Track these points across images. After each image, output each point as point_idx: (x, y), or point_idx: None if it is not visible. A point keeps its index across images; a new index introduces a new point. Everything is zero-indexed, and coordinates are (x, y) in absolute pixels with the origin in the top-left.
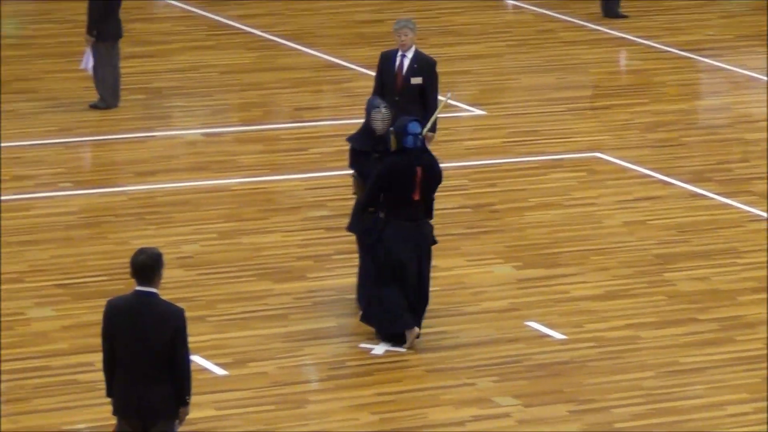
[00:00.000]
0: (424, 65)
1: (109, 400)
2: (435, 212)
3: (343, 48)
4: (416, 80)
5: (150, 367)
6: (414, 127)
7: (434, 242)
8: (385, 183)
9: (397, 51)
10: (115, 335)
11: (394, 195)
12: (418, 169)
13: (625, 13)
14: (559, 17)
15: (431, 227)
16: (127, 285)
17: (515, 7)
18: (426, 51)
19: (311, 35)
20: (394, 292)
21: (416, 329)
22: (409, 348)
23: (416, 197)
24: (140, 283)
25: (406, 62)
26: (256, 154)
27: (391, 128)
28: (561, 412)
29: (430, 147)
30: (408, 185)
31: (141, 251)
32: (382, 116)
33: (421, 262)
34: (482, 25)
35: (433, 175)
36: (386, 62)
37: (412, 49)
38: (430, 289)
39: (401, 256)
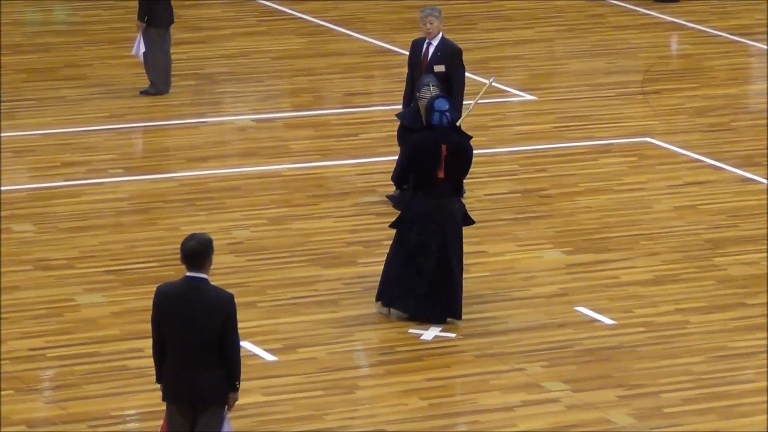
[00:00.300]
0: (448, 53)
1: (158, 386)
2: (486, 198)
3: (392, 33)
4: (439, 68)
5: (200, 353)
6: (441, 103)
7: (468, 222)
8: (411, 159)
9: (424, 39)
10: (165, 321)
11: (419, 172)
12: (443, 147)
13: None
14: (610, 1)
15: (461, 206)
16: (177, 271)
17: None
18: (475, 36)
19: (361, 21)
20: (398, 265)
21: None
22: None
23: (441, 175)
24: (190, 269)
25: (431, 50)
26: (306, 139)
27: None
28: (610, 397)
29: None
30: (433, 162)
31: (191, 237)
32: (431, 93)
33: (445, 243)
34: (532, 10)
35: (462, 156)
36: (415, 49)
37: (438, 36)
38: (477, 274)
39: (421, 236)
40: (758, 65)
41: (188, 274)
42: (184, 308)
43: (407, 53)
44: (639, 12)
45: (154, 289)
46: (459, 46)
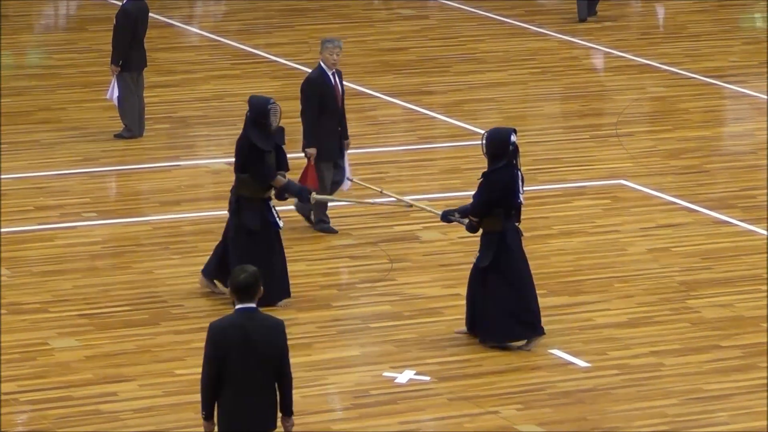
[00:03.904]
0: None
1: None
2: (460, 239)
3: (367, 76)
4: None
5: (263, 380)
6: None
7: None
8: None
9: (324, 72)
10: (227, 355)
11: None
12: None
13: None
14: (583, 44)
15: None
16: (151, 315)
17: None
18: (449, 78)
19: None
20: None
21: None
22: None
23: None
24: (243, 300)
25: (338, 78)
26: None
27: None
28: None
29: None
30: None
31: (242, 269)
32: (275, 111)
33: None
34: (505, 53)
35: None
36: (322, 84)
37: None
38: (452, 317)
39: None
40: (732, 107)
41: (241, 305)
42: (246, 338)
43: (381, 96)
44: (613, 54)
45: (130, 332)
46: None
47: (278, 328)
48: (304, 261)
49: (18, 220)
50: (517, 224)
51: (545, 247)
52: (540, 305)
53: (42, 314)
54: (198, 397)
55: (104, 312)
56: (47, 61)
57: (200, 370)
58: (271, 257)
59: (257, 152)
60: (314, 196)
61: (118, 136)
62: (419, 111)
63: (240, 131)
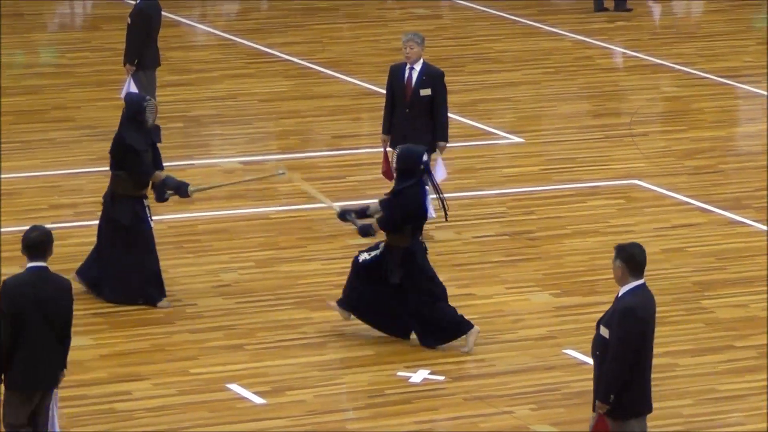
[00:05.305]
0: (432, 77)
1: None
2: (474, 239)
3: (380, 75)
4: (425, 92)
5: (51, 338)
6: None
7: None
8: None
9: (405, 64)
10: (20, 313)
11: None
12: None
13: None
14: (597, 44)
15: None
16: (165, 314)
17: (551, 33)
18: (464, 79)
19: (349, 63)
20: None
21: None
22: None
23: None
24: (34, 258)
25: (415, 75)
26: (294, 182)
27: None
28: None
29: (442, 155)
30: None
31: (33, 228)
32: (151, 108)
33: None
34: (520, 53)
35: None
36: (395, 75)
37: (420, 61)
38: (466, 317)
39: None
40: (746, 107)
41: (32, 264)
42: (38, 297)
43: (385, 97)
44: (627, 54)
45: (144, 331)
46: (442, 69)
47: (67, 288)
48: (318, 260)
49: (32, 219)
50: (420, 238)
51: (559, 246)
52: (554, 305)
53: None
54: (211, 396)
55: (119, 311)
56: (61, 59)
57: (215, 369)
58: (143, 255)
59: (133, 152)
60: (191, 188)
61: None
62: None
63: (250, 129)
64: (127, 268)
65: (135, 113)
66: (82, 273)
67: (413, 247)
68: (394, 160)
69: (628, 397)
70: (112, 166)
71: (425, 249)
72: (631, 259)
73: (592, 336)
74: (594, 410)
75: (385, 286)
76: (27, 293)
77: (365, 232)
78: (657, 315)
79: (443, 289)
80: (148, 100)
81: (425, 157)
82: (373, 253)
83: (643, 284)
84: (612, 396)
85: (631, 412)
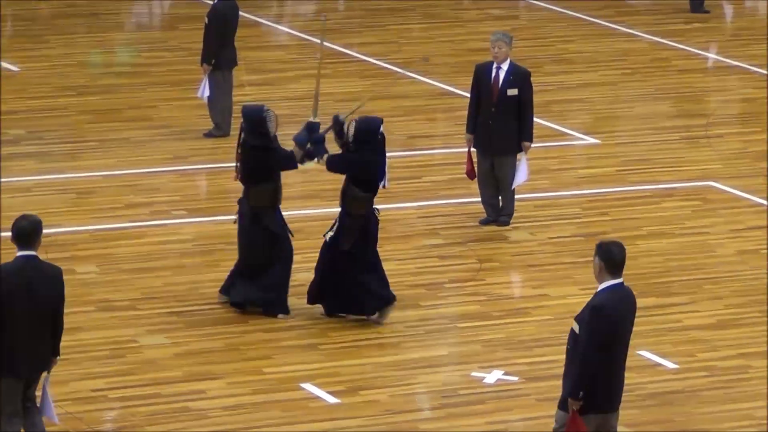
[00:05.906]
0: (520, 76)
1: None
2: (549, 241)
3: (455, 76)
4: (512, 92)
5: (42, 326)
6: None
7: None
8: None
9: (492, 63)
10: (10, 301)
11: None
12: None
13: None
14: (674, 45)
15: None
16: (239, 313)
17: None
18: (539, 80)
19: (424, 63)
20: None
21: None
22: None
23: None
24: (23, 247)
25: (502, 74)
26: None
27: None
28: None
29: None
30: None
31: (23, 217)
32: (270, 117)
33: None
34: (595, 53)
35: None
36: (482, 75)
37: (507, 61)
38: (540, 317)
39: None
40: None
41: (22, 253)
42: (28, 285)
43: (469, 96)
44: (702, 56)
45: (218, 330)
46: (529, 70)
47: (57, 276)
48: (393, 260)
49: (108, 218)
50: (375, 208)
51: (634, 248)
52: None
53: (131, 311)
54: (284, 395)
55: (193, 309)
56: (138, 59)
57: (289, 368)
58: (290, 264)
59: (271, 150)
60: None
61: (208, 135)
62: None
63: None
64: (284, 280)
65: (256, 126)
66: (224, 290)
67: (369, 215)
68: (351, 131)
69: (590, 389)
70: (254, 182)
71: (377, 220)
72: (609, 257)
73: (667, 338)
74: (559, 407)
75: (333, 264)
76: (16, 281)
77: (316, 140)
78: (731, 318)
79: (380, 261)
80: (267, 110)
81: (381, 128)
82: (334, 228)
83: (621, 284)
84: (582, 392)
85: (589, 404)
